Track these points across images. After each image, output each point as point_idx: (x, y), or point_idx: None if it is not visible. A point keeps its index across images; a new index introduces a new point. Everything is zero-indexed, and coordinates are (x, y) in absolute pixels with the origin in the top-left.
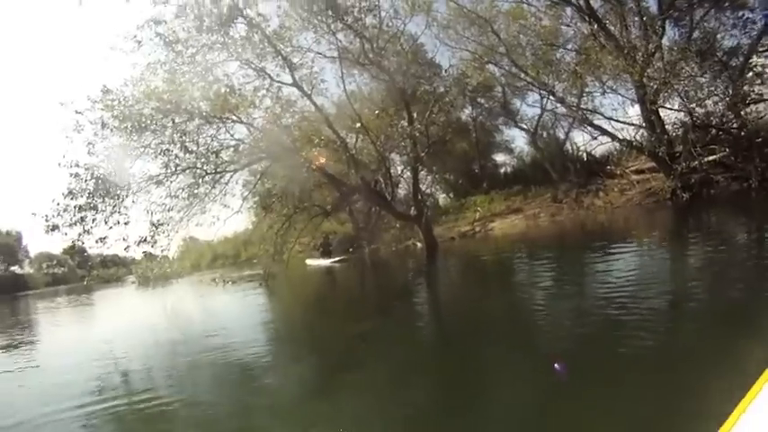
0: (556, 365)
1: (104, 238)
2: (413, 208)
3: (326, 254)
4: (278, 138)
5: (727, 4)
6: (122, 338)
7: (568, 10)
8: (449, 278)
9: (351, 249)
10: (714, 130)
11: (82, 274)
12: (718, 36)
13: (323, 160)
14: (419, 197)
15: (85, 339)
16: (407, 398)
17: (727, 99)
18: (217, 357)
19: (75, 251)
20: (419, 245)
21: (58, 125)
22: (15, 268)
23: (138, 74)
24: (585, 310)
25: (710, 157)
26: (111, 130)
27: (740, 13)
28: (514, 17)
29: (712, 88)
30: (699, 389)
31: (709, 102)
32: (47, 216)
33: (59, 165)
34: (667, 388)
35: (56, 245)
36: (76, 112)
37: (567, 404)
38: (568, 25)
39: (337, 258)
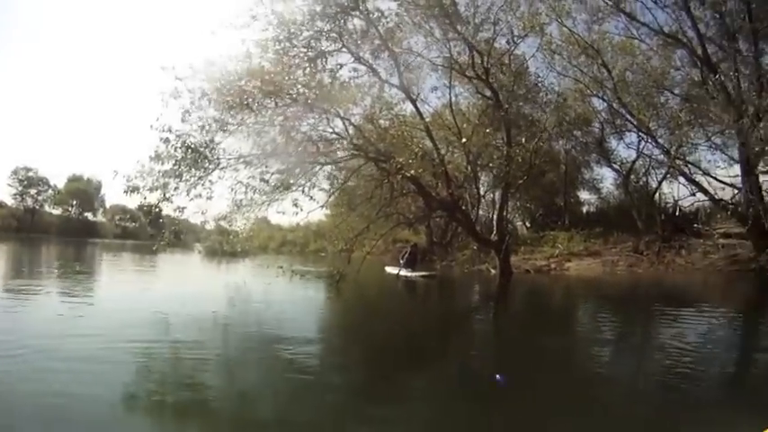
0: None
1: (183, 208)
2: (494, 233)
3: (411, 265)
4: (374, 139)
5: None
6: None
7: (680, 52)
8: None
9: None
10: None
11: (152, 232)
12: None
13: (420, 170)
14: (503, 223)
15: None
16: None
17: None
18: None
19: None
20: (493, 271)
21: (155, 89)
22: (89, 215)
23: (245, 50)
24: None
25: None
26: (210, 101)
27: None
28: (624, 52)
29: None
30: None
31: None
32: (128, 177)
33: (151, 127)
34: None
35: (132, 199)
36: (177, 78)
37: None
38: (678, 69)
39: (424, 273)
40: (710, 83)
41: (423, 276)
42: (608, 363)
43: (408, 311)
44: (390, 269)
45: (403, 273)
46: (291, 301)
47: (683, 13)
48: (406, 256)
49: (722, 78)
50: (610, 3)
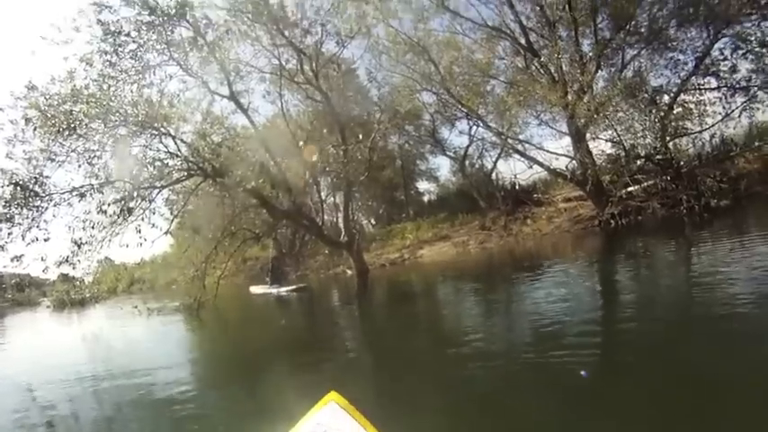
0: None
1: (21, 257)
2: (343, 234)
3: (277, 280)
4: (208, 155)
5: (659, 45)
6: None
7: (503, 44)
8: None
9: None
10: (643, 161)
11: None
12: (650, 74)
13: (260, 181)
14: (350, 223)
15: None
16: None
17: (657, 132)
18: None
19: None
20: (349, 272)
21: None
22: None
23: (69, 68)
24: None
25: (645, 184)
26: (35, 129)
27: (670, 55)
28: (449, 47)
29: (642, 123)
30: None
31: (638, 134)
32: None
33: None
34: None
35: None
36: None
37: None
38: (502, 58)
39: (293, 287)
40: (534, 67)
41: (292, 291)
42: (472, 330)
43: (268, 328)
44: (256, 289)
45: (270, 290)
46: (157, 342)
47: (505, 7)
48: (269, 272)
49: (545, 62)
50: (434, 1)
